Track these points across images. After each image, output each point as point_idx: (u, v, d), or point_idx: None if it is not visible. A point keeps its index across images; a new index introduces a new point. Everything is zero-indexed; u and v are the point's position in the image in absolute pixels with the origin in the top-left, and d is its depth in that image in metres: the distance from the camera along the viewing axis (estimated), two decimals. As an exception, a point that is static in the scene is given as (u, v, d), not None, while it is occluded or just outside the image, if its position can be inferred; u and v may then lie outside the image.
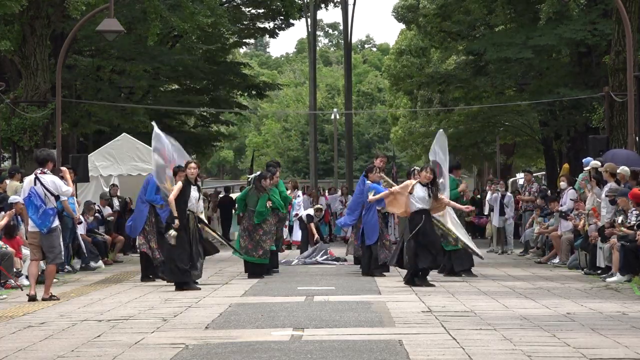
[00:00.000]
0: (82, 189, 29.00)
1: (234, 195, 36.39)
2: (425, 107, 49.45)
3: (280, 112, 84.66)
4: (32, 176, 15.64)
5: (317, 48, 73.48)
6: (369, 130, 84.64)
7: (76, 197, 23.20)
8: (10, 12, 24.73)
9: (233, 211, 34.69)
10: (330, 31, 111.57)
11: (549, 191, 29.98)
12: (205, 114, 47.47)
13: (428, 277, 17.78)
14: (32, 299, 15.41)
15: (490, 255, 27.97)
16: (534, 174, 37.55)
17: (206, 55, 42.83)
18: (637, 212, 18.44)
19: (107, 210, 27.15)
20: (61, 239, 15.79)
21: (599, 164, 20.68)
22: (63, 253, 16.25)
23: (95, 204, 26.04)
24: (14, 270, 17.79)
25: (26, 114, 28.47)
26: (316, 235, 26.65)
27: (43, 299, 15.40)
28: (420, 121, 51.98)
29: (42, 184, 15.42)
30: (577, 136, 36.79)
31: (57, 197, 15.65)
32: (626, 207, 18.72)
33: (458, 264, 20.07)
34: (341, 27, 71.66)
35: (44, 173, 15.54)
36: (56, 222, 15.53)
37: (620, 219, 18.74)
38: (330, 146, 75.58)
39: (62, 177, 16.03)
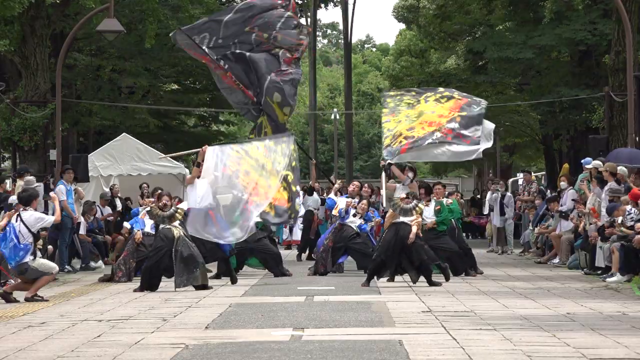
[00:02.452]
0: (82, 189, 28.95)
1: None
2: (425, 107, 49.27)
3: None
4: (16, 214, 15.67)
5: (317, 48, 73.35)
6: (369, 130, 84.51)
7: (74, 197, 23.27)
8: (11, 14, 24.72)
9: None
10: (329, 31, 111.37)
11: (548, 191, 29.97)
12: (205, 114, 47.39)
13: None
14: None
15: (490, 255, 27.99)
16: (534, 174, 37.54)
17: (206, 54, 42.71)
18: (633, 215, 18.41)
19: (107, 210, 27.12)
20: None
21: (601, 164, 20.65)
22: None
23: (95, 203, 26.03)
24: (14, 270, 17.78)
25: (26, 114, 28.45)
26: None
27: (26, 299, 15.33)
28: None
29: (22, 220, 15.46)
30: (577, 136, 36.77)
31: (35, 235, 15.65)
32: (622, 214, 18.66)
33: (460, 264, 20.07)
34: (340, 27, 71.66)
35: (26, 210, 15.60)
36: (27, 259, 15.44)
37: (620, 218, 18.73)
38: (330, 146, 75.49)
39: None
